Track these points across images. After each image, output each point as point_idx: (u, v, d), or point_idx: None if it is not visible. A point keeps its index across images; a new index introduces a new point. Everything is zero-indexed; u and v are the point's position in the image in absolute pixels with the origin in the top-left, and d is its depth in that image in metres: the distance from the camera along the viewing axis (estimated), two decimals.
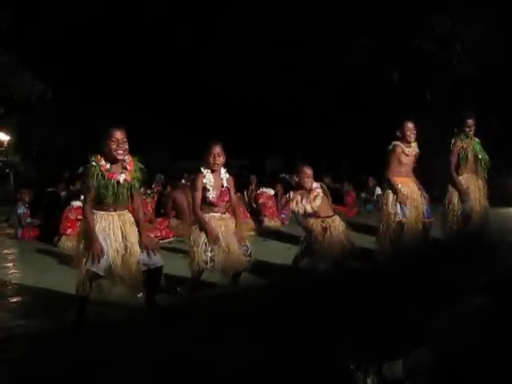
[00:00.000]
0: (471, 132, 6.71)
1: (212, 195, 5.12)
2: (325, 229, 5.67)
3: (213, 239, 4.99)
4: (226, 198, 5.27)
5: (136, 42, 16.47)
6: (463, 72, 13.50)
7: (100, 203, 4.38)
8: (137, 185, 4.54)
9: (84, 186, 4.43)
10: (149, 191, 11.42)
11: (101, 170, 4.34)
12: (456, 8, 13.31)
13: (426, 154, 6.89)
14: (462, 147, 6.71)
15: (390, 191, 6.24)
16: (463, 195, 6.59)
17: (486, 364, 2.34)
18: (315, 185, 5.87)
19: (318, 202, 5.74)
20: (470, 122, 6.71)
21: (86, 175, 4.39)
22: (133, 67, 16.84)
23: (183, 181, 11.55)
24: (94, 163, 4.35)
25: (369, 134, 13.20)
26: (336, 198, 12.21)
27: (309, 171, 5.84)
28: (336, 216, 5.84)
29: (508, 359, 2.32)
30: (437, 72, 13.95)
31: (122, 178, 4.40)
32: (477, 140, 6.84)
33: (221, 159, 5.19)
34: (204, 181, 5.13)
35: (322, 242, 5.59)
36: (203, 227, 5.06)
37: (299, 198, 5.79)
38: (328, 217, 5.77)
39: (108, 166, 4.39)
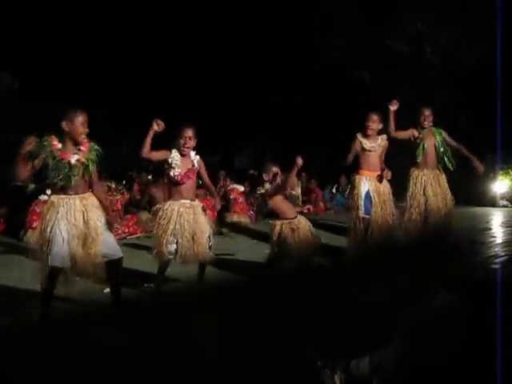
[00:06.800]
0: (426, 122, 6.46)
1: (176, 172, 5.05)
2: (292, 230, 5.62)
3: None
4: (193, 176, 5.18)
5: (108, 35, 16.22)
6: (433, 72, 13.63)
7: (58, 187, 4.17)
8: (91, 167, 4.29)
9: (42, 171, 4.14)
10: (119, 187, 11.28)
11: (52, 150, 4.12)
12: (427, 9, 13.43)
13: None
14: (418, 137, 6.46)
15: (353, 186, 6.18)
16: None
17: (452, 362, 2.35)
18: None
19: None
20: (425, 111, 6.49)
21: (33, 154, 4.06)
22: (103, 58, 16.63)
23: (149, 176, 11.47)
24: (45, 143, 4.11)
25: (339, 131, 13.23)
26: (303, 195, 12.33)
27: (274, 169, 5.77)
28: (301, 217, 5.81)
29: (475, 358, 2.33)
30: (408, 72, 14.05)
31: (74, 158, 4.18)
32: (439, 130, 6.59)
33: (191, 143, 5.14)
34: (169, 160, 5.07)
35: (291, 243, 5.56)
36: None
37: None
38: (293, 218, 5.70)
39: (60, 146, 4.16)
